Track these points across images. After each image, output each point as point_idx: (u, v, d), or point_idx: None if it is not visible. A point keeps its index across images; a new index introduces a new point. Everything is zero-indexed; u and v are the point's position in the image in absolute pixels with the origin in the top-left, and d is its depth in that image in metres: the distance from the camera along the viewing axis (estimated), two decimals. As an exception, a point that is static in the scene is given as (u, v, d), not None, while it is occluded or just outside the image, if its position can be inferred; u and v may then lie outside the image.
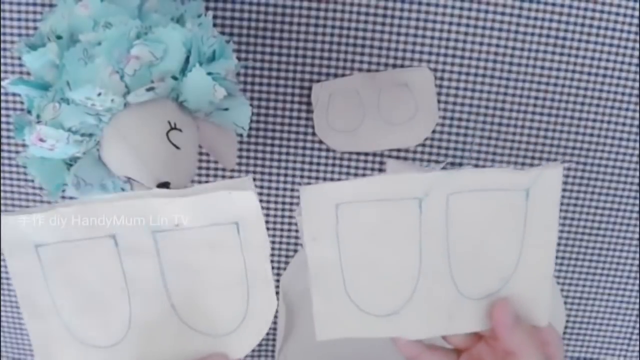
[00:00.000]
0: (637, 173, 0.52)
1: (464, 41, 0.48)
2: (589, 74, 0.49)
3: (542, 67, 0.49)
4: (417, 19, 0.47)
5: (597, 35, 0.48)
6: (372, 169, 0.50)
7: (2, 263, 0.53)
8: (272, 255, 0.53)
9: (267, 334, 0.55)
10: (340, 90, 0.49)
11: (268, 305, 0.31)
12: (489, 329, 0.33)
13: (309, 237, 0.31)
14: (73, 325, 0.32)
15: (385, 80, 0.48)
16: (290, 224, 0.52)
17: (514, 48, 0.48)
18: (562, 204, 0.52)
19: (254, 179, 0.51)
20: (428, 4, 0.47)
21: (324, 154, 0.50)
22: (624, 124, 0.50)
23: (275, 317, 0.54)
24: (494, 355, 0.33)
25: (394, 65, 0.48)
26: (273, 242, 0.53)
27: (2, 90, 0.49)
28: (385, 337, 0.33)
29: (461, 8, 0.47)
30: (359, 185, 0.31)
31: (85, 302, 0.32)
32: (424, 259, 0.32)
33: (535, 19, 0.47)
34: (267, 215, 0.52)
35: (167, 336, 0.32)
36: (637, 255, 0.54)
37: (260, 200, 0.51)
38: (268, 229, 0.52)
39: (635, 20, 0.48)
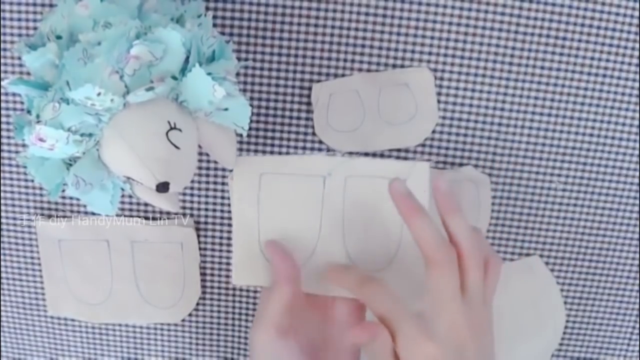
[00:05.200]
0: (637, 173, 0.52)
1: (464, 41, 0.48)
2: (589, 74, 0.49)
3: (542, 67, 0.49)
4: (417, 19, 0.47)
5: (597, 35, 0.48)
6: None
7: (2, 263, 0.53)
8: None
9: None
10: (340, 90, 0.48)
11: None
12: None
13: (236, 197, 0.39)
14: (74, 289, 0.52)
15: (385, 80, 0.48)
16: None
17: (514, 48, 0.48)
18: (562, 203, 0.52)
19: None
20: (428, 4, 0.47)
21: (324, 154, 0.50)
22: (624, 124, 0.50)
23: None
24: None
25: (394, 65, 0.48)
26: (273, 242, 0.53)
27: (2, 90, 0.49)
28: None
29: (461, 8, 0.47)
30: (279, 160, 0.39)
31: (83, 276, 0.52)
32: (323, 226, 0.39)
33: (535, 19, 0.47)
34: (267, 215, 0.52)
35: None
36: (637, 255, 0.54)
37: (260, 200, 0.51)
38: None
39: (635, 21, 0.48)
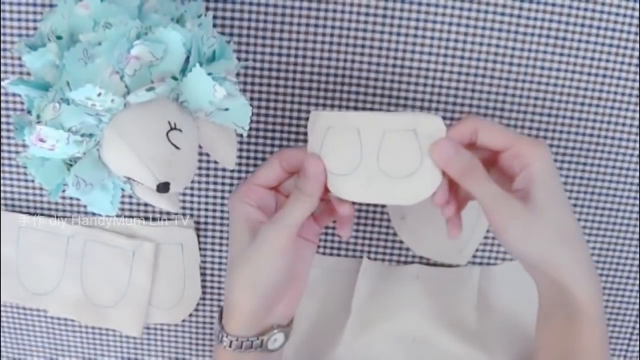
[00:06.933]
0: (637, 173, 0.52)
1: (464, 41, 0.48)
2: (589, 74, 0.49)
3: (542, 67, 0.49)
4: (417, 19, 0.47)
5: (597, 35, 0.48)
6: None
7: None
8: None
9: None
10: (339, 125, 0.42)
11: None
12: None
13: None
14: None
15: (392, 122, 0.41)
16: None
17: (514, 48, 0.48)
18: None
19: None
20: (428, 4, 0.47)
21: (324, 154, 0.50)
22: (624, 124, 0.50)
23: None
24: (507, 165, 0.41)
25: (394, 65, 0.48)
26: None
27: (2, 90, 0.49)
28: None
29: (461, 8, 0.47)
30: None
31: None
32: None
33: (535, 19, 0.47)
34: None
35: None
36: (637, 256, 0.54)
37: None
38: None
39: (635, 21, 0.48)
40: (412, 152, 0.40)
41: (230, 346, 0.42)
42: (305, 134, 0.50)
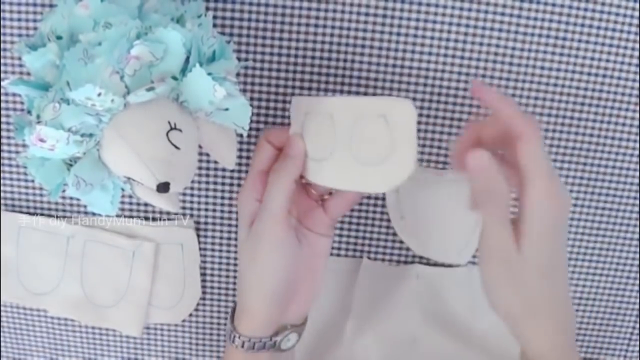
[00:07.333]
0: (637, 173, 0.52)
1: (464, 41, 0.48)
2: (589, 74, 0.49)
3: (542, 67, 0.49)
4: (417, 19, 0.47)
5: (597, 35, 0.48)
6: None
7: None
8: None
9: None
10: (315, 111, 0.42)
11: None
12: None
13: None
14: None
15: (363, 108, 0.40)
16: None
17: (514, 48, 0.48)
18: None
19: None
20: (428, 4, 0.47)
21: (324, 154, 0.50)
22: (624, 124, 0.50)
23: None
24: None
25: (394, 65, 0.48)
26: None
27: (2, 90, 0.49)
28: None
29: (461, 8, 0.47)
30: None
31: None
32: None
33: (535, 19, 0.47)
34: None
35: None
36: (637, 256, 0.54)
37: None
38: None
39: (635, 21, 0.48)
40: (383, 138, 0.38)
41: (242, 346, 0.41)
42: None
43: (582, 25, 0.48)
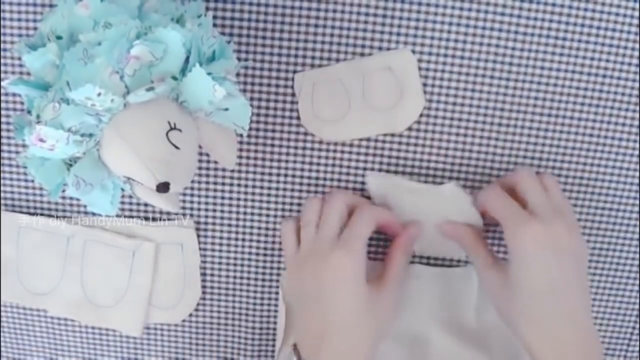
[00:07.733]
0: (637, 173, 0.52)
1: (464, 41, 0.48)
2: (589, 74, 0.49)
3: (542, 67, 0.49)
4: (417, 20, 0.47)
5: (597, 35, 0.48)
6: (372, 168, 0.50)
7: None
8: (272, 255, 0.53)
9: (267, 334, 0.55)
10: (323, 79, 0.48)
11: None
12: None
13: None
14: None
15: (368, 65, 0.48)
16: (290, 224, 0.52)
17: (514, 48, 0.48)
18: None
19: (253, 179, 0.51)
20: (428, 4, 0.47)
21: (324, 154, 0.50)
22: (624, 124, 0.50)
23: (275, 316, 0.55)
24: None
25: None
26: (273, 242, 0.53)
27: (2, 90, 0.49)
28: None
29: (461, 8, 0.47)
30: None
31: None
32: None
33: (535, 19, 0.47)
34: (267, 215, 0.52)
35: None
36: (637, 256, 0.54)
37: (260, 201, 0.51)
38: (267, 229, 0.52)
39: (635, 21, 0.48)
40: (392, 85, 0.48)
41: None
42: (306, 134, 0.50)
43: (582, 25, 0.48)
